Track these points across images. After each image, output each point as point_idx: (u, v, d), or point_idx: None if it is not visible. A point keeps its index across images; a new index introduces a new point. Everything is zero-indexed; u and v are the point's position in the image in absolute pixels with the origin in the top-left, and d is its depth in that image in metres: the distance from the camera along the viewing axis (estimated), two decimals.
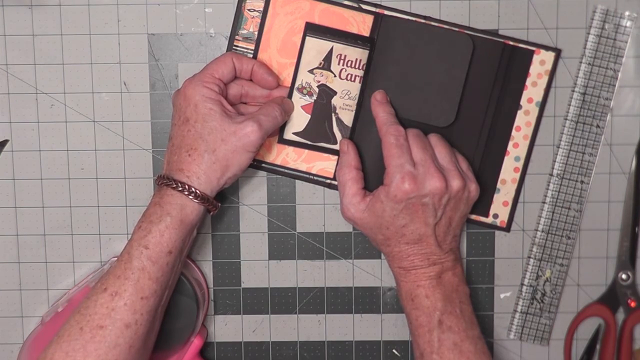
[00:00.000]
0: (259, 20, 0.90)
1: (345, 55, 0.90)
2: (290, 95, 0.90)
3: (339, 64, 0.89)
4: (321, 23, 0.90)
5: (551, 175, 0.94)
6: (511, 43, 0.90)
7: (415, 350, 0.87)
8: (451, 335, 0.85)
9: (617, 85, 0.92)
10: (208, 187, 0.84)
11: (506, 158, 0.92)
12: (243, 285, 0.95)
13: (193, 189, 0.82)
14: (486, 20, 0.91)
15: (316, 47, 0.89)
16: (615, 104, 0.93)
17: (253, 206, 0.94)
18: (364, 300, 0.95)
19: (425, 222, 0.86)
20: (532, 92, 0.91)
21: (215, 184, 0.84)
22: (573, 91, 0.92)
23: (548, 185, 0.94)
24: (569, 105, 0.92)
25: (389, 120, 0.88)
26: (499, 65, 0.90)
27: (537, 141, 0.93)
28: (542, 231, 0.94)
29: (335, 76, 0.90)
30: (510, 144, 0.92)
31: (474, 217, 0.93)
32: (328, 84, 0.90)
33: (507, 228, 0.94)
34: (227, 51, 0.91)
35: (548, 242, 0.94)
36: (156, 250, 0.82)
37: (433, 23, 0.90)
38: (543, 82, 0.91)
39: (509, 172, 0.92)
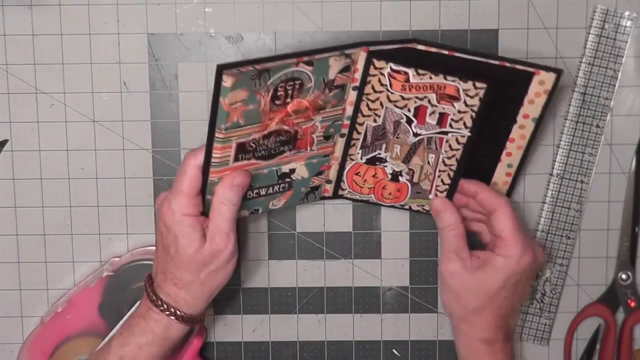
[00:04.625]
0: (246, 108, 0.78)
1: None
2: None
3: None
4: None
5: (551, 175, 0.94)
6: (508, 65, 0.83)
7: None
8: None
9: (617, 85, 0.92)
10: (198, 308, 0.84)
11: (499, 164, 0.89)
12: (243, 285, 0.95)
13: (179, 313, 0.83)
14: (486, 20, 0.91)
15: None
16: (615, 103, 0.93)
17: None
18: (364, 300, 0.95)
19: (522, 296, 0.87)
20: (529, 108, 0.85)
21: (205, 303, 0.85)
22: (573, 91, 0.92)
23: (548, 185, 0.94)
24: (569, 105, 0.92)
25: (495, 193, 0.86)
26: (499, 91, 0.84)
27: (537, 141, 0.93)
28: (542, 231, 0.94)
29: None
30: (504, 153, 0.88)
31: None
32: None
33: None
34: (207, 139, 0.80)
35: (548, 241, 0.94)
36: None
37: (419, 46, 0.84)
38: (541, 100, 0.84)
39: (500, 176, 0.90)
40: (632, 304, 0.94)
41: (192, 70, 0.92)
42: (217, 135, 0.79)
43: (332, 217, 0.94)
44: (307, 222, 0.94)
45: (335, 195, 0.92)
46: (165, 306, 0.83)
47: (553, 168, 0.93)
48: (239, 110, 0.78)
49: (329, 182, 0.91)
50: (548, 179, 0.94)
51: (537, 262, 0.86)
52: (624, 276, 0.94)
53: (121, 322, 0.87)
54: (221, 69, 0.75)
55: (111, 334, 0.87)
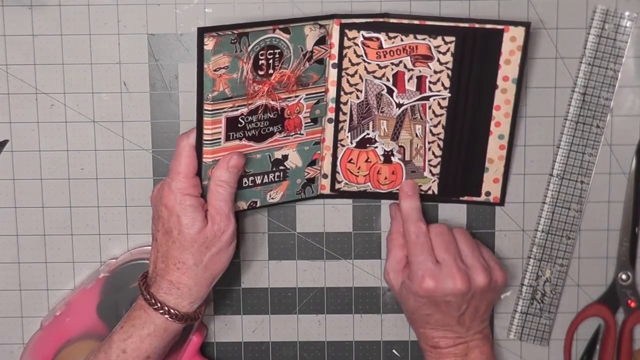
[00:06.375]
0: (230, 77, 0.82)
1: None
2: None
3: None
4: None
5: (551, 175, 0.94)
6: (477, 26, 0.87)
7: None
8: None
9: (617, 86, 0.92)
10: (199, 295, 0.84)
11: (490, 138, 0.91)
12: (243, 286, 0.95)
13: (173, 311, 0.83)
14: None
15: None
16: (615, 104, 0.93)
17: None
18: (364, 300, 0.95)
19: (449, 314, 0.86)
20: (507, 70, 0.88)
21: (206, 290, 0.85)
22: (573, 91, 0.92)
23: (548, 185, 0.94)
24: (569, 105, 0.92)
25: (412, 216, 0.88)
26: (471, 49, 0.87)
27: (537, 141, 0.93)
28: (542, 231, 0.94)
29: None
30: (492, 123, 0.90)
31: (466, 198, 0.93)
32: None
33: (502, 202, 0.93)
34: (197, 115, 0.83)
35: (548, 242, 0.94)
36: (133, 356, 0.83)
37: (392, 20, 0.88)
38: (516, 58, 0.88)
39: (494, 150, 0.91)
40: (632, 305, 0.94)
41: (192, 70, 0.91)
42: (205, 107, 0.83)
43: (332, 217, 0.94)
44: (307, 223, 0.94)
45: (333, 190, 0.92)
46: (159, 305, 0.83)
47: (553, 168, 0.93)
48: (224, 79, 0.82)
49: (324, 176, 0.91)
50: (548, 179, 0.94)
51: (469, 289, 0.85)
52: (624, 276, 0.94)
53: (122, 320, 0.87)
54: (202, 31, 0.80)
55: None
